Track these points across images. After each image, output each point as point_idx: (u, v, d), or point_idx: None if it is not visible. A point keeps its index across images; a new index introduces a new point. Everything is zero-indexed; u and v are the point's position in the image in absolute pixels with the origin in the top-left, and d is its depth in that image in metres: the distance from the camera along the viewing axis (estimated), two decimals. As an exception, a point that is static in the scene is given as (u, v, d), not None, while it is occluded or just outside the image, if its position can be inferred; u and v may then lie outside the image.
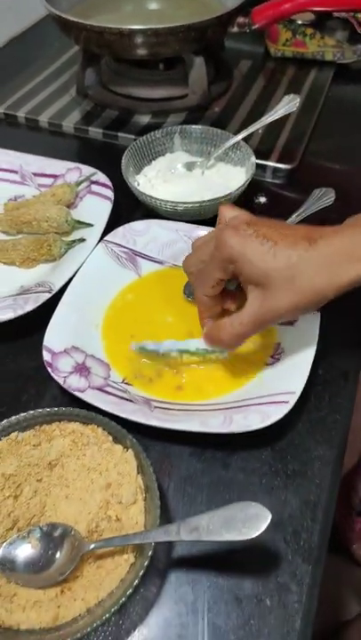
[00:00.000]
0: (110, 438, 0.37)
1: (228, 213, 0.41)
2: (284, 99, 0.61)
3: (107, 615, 0.29)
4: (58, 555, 0.33)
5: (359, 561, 0.87)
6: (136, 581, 0.31)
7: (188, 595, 0.34)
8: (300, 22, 0.83)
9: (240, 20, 0.70)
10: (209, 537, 0.30)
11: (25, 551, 0.33)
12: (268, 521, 0.30)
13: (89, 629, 0.29)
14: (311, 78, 0.79)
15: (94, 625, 0.29)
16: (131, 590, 0.30)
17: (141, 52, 0.66)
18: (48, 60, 0.85)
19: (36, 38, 0.93)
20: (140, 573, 0.31)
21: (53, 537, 0.33)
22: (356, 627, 0.95)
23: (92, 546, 0.33)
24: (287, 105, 0.61)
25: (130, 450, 0.36)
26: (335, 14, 0.88)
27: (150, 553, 0.32)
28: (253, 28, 0.71)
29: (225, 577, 0.35)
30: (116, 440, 0.37)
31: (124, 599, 0.30)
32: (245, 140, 0.60)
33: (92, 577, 0.33)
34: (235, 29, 0.73)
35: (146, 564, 0.31)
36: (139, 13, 0.79)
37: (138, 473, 0.36)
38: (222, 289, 0.42)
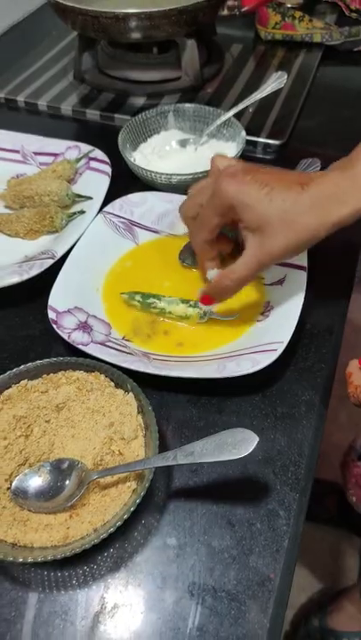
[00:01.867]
0: (112, 384, 0.41)
1: (222, 162, 0.44)
2: (272, 76, 0.64)
3: (111, 529, 0.33)
4: (66, 483, 0.36)
5: (352, 505, 0.90)
6: (138, 501, 0.34)
7: (185, 521, 0.38)
8: (289, 6, 0.86)
9: (230, 2, 0.74)
10: (203, 459, 0.34)
11: (36, 482, 0.36)
12: (256, 443, 0.34)
13: (96, 541, 0.33)
14: (300, 59, 0.82)
15: (100, 537, 0.33)
16: (133, 508, 0.34)
17: (136, 35, 0.69)
18: (46, 47, 0.88)
19: (34, 26, 0.96)
20: (142, 494, 0.34)
21: (62, 469, 0.37)
22: (354, 593, 0.99)
23: (96, 475, 0.36)
24: (275, 82, 0.64)
25: (130, 393, 0.40)
26: (324, -2, 0.91)
27: (150, 477, 0.35)
28: (243, 10, 0.74)
29: (219, 505, 0.38)
30: (118, 385, 0.41)
31: (126, 516, 0.33)
32: (237, 117, 0.63)
33: (97, 504, 0.36)
34: (225, 12, 0.76)
35: (147, 485, 0.35)
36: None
37: (138, 412, 0.39)
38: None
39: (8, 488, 0.37)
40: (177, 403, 0.44)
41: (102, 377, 0.41)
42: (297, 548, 0.37)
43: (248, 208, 0.40)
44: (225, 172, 0.42)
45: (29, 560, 0.33)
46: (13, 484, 0.36)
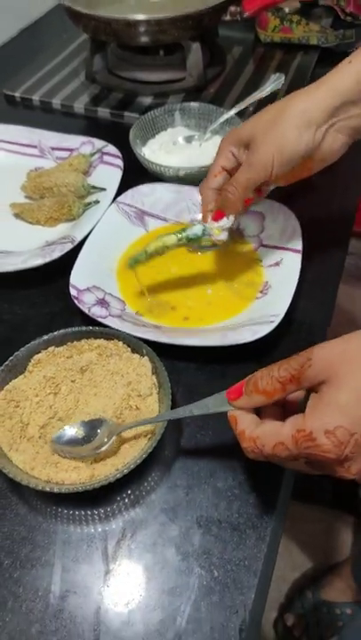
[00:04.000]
0: (129, 349, 0.46)
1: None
2: (271, 77, 0.69)
3: (132, 466, 0.38)
4: (97, 434, 0.41)
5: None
6: (153, 444, 0.40)
7: (193, 466, 0.43)
8: (287, 10, 0.91)
9: (232, 8, 0.79)
10: (215, 410, 0.39)
11: (72, 433, 0.42)
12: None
13: (118, 476, 0.38)
14: (297, 61, 0.87)
15: (123, 472, 0.38)
16: (150, 450, 0.39)
17: (144, 39, 0.75)
18: (57, 49, 0.93)
19: (46, 28, 1.01)
20: (157, 438, 0.40)
21: (93, 424, 0.42)
22: (346, 567, 1.05)
23: (123, 429, 0.41)
24: (274, 83, 0.69)
25: (145, 356, 0.45)
26: (320, 2, 0.97)
27: (164, 426, 0.41)
28: (244, 16, 0.79)
29: (223, 454, 0.44)
30: (134, 350, 0.46)
31: (144, 456, 0.39)
32: (238, 115, 0.69)
33: (118, 451, 0.42)
34: (228, 17, 0.81)
35: (161, 432, 0.40)
36: (141, 4, 0.87)
37: (152, 373, 0.44)
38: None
39: (40, 437, 0.42)
40: (186, 369, 0.49)
41: (120, 344, 0.47)
42: (291, 483, 0.43)
43: (237, 130, 0.48)
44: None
45: (62, 490, 0.38)
46: (55, 435, 0.42)
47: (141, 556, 0.39)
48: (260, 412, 0.37)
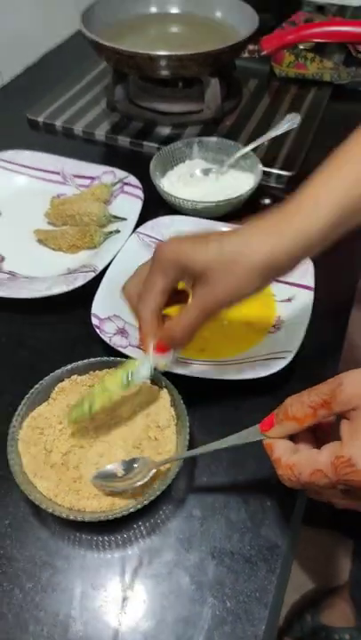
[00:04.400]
0: (149, 381, 0.48)
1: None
2: (286, 117, 0.72)
3: (151, 497, 0.40)
4: (134, 467, 0.43)
5: None
6: (173, 476, 0.41)
7: (207, 497, 0.45)
8: (301, 47, 0.94)
9: (250, 47, 0.82)
10: (249, 440, 0.40)
11: (111, 469, 0.43)
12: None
13: (138, 506, 0.40)
14: (311, 97, 0.90)
15: (144, 502, 0.40)
16: (164, 487, 0.41)
17: (165, 72, 0.78)
18: (79, 75, 0.96)
19: (68, 53, 1.05)
20: (176, 470, 0.42)
21: (131, 461, 0.44)
22: (345, 592, 1.06)
23: (157, 464, 0.42)
24: (289, 122, 0.72)
25: (164, 388, 0.47)
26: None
27: (181, 462, 0.42)
28: (262, 54, 0.82)
29: (236, 486, 0.46)
30: (153, 382, 0.48)
31: (159, 491, 0.41)
32: (253, 150, 0.71)
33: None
34: (246, 55, 0.84)
35: (177, 470, 0.42)
36: (162, 36, 0.90)
37: (171, 405, 0.46)
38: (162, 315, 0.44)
39: (62, 463, 0.44)
40: (200, 400, 0.51)
41: (140, 375, 0.49)
42: (300, 522, 0.44)
43: (187, 258, 0.40)
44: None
45: (85, 519, 0.40)
46: (97, 471, 0.43)
47: (157, 584, 0.41)
48: (293, 438, 0.38)
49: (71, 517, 0.40)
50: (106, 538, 0.43)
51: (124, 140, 0.82)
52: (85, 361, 0.49)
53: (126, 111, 0.86)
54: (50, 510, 0.40)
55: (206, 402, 0.51)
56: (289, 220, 0.40)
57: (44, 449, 0.44)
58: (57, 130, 0.86)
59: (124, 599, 0.40)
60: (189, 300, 0.45)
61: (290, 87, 0.93)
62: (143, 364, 0.44)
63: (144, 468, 0.42)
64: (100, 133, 0.83)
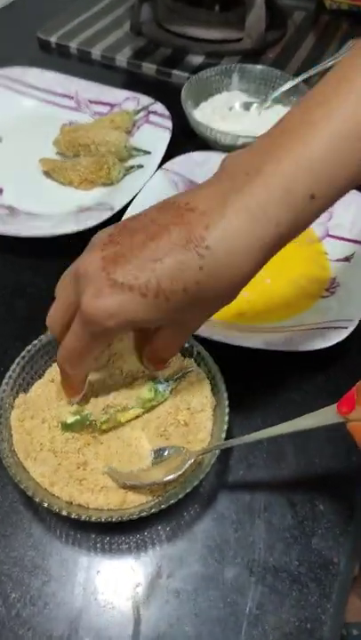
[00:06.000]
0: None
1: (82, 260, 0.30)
2: (347, 43, 0.61)
3: (172, 501, 0.31)
4: (165, 456, 0.34)
5: None
6: (201, 476, 0.32)
7: (244, 495, 0.36)
8: (359, -25, 0.81)
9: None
10: (318, 425, 0.31)
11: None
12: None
13: (154, 511, 0.31)
14: (367, 34, 0.78)
15: (161, 506, 0.31)
16: (196, 482, 0.32)
17: (202, -13, 0.66)
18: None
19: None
20: (207, 470, 0.32)
21: (160, 450, 0.34)
22: (357, 584, 0.99)
23: (195, 454, 0.33)
24: (349, 50, 0.60)
25: (198, 360, 0.37)
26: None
27: (217, 453, 0.33)
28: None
29: (279, 483, 0.37)
30: (183, 351, 0.38)
31: (188, 489, 0.31)
32: (305, 81, 0.60)
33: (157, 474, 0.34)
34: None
35: (212, 461, 0.33)
36: None
37: (207, 382, 0.37)
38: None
39: (65, 443, 0.34)
40: (236, 374, 0.42)
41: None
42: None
43: (137, 322, 0.29)
44: (82, 277, 0.29)
45: (83, 517, 0.31)
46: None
47: (179, 604, 0.32)
48: None
49: (73, 515, 0.31)
50: (115, 539, 0.34)
51: (149, 68, 0.70)
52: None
53: (153, 35, 0.74)
54: (45, 504, 0.31)
55: (243, 377, 0.41)
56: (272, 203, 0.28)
57: (43, 423, 0.35)
58: (71, 53, 0.74)
59: (137, 621, 0.31)
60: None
61: (341, 22, 0.80)
62: (158, 387, 0.36)
63: (177, 457, 0.33)
64: (122, 59, 0.71)
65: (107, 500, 0.33)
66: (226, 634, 0.31)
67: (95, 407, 0.35)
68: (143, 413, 0.36)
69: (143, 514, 0.31)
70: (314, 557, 0.34)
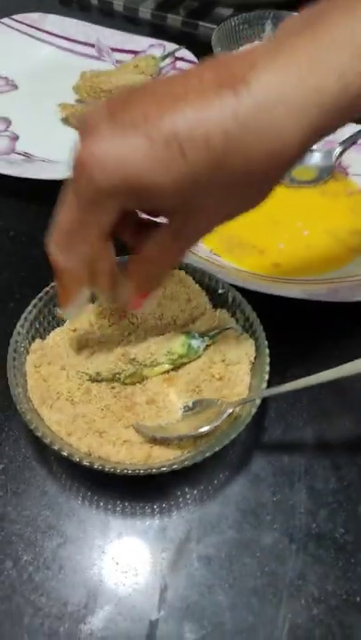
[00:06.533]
0: (206, 297, 0.35)
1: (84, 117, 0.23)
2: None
3: (205, 454, 0.27)
4: (197, 408, 0.30)
5: None
6: (237, 431, 0.29)
7: (283, 456, 0.32)
8: None
9: None
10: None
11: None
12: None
13: (187, 463, 0.27)
14: None
15: (188, 460, 0.27)
16: (227, 441, 0.28)
17: None
18: None
19: None
20: (246, 421, 0.29)
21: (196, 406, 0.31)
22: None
23: (230, 406, 0.29)
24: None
25: (234, 307, 0.34)
26: None
27: (253, 411, 0.29)
28: None
29: (322, 443, 0.33)
30: (215, 298, 0.35)
31: (219, 447, 0.28)
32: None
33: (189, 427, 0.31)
34: None
35: (252, 413, 0.29)
36: None
37: (244, 332, 0.33)
38: None
39: (85, 392, 0.31)
40: (274, 327, 0.38)
41: (191, 281, 0.35)
42: None
43: (144, 182, 0.21)
44: (82, 127, 0.23)
45: (107, 469, 0.27)
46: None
47: (210, 572, 0.28)
48: None
49: (94, 466, 0.27)
50: (139, 500, 0.30)
51: (174, 19, 0.66)
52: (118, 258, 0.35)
53: (179, -13, 0.70)
54: (64, 453, 0.27)
55: (280, 329, 0.38)
56: (329, 58, 0.21)
57: (61, 370, 0.31)
58: (92, 4, 0.70)
59: (163, 589, 0.28)
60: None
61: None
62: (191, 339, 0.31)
63: (211, 410, 0.29)
64: (145, 10, 0.67)
65: (130, 455, 0.29)
66: (263, 606, 0.27)
67: (120, 358, 0.31)
68: (172, 369, 0.32)
69: (175, 467, 0.27)
70: (361, 526, 0.30)
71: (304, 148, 0.22)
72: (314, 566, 0.29)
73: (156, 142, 0.20)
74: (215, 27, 0.64)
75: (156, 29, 0.67)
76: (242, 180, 0.22)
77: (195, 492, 0.31)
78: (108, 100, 0.23)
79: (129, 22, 0.68)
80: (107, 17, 0.69)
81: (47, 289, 0.33)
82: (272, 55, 0.21)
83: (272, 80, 0.20)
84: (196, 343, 0.31)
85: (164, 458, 0.29)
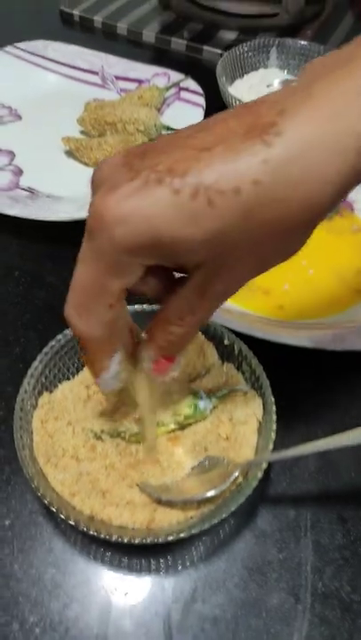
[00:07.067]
0: (215, 354, 0.34)
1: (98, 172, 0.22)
2: None
3: (205, 526, 0.27)
4: (206, 467, 0.30)
5: None
6: (241, 501, 0.28)
7: (288, 511, 0.32)
8: None
9: None
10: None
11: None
12: None
13: (182, 535, 0.27)
14: None
15: (191, 532, 0.27)
16: (233, 508, 0.28)
17: None
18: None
19: None
20: (247, 492, 0.28)
21: (202, 463, 0.31)
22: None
23: (239, 468, 0.29)
24: None
25: (242, 362, 0.34)
26: None
27: (260, 475, 0.29)
28: None
29: (329, 496, 0.33)
30: (221, 350, 0.34)
31: (225, 515, 0.28)
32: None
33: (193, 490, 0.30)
34: None
35: (254, 484, 0.28)
36: None
37: (251, 389, 0.33)
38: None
39: (90, 450, 0.31)
40: (279, 377, 0.38)
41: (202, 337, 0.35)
42: None
43: (160, 236, 0.20)
44: (97, 180, 0.22)
45: (103, 535, 0.27)
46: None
47: (217, 634, 0.28)
48: None
49: (90, 532, 0.27)
50: (144, 557, 0.30)
51: (178, 44, 0.66)
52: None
53: (182, 9, 0.69)
54: (71, 521, 0.27)
55: (287, 378, 0.37)
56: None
57: (67, 426, 0.31)
58: (96, 27, 0.70)
59: (169, 652, 0.28)
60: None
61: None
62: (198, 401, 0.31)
63: (217, 469, 0.29)
64: (149, 34, 0.67)
65: (132, 518, 0.29)
66: (270, 670, 0.27)
67: (125, 417, 0.31)
68: (178, 429, 0.32)
69: (182, 535, 0.27)
70: (368, 584, 0.30)
71: (341, 195, 0.21)
72: (320, 627, 0.29)
73: (182, 195, 0.19)
74: (219, 51, 0.64)
75: (160, 53, 0.67)
76: (275, 231, 0.21)
77: (200, 547, 0.31)
78: (126, 151, 0.22)
79: (133, 45, 0.68)
80: (110, 39, 0.69)
81: (52, 343, 0.33)
82: (301, 99, 0.20)
83: (304, 126, 0.19)
84: (203, 404, 0.31)
85: (167, 522, 0.29)
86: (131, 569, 0.30)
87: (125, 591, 0.30)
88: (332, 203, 0.21)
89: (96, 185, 0.22)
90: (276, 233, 0.21)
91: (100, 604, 0.29)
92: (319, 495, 0.33)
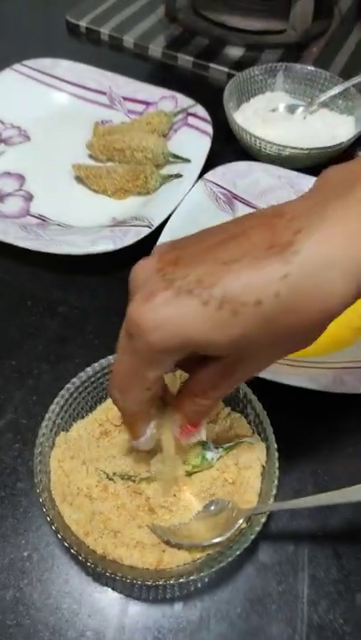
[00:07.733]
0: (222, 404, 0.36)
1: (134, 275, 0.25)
2: None
3: (210, 570, 0.29)
4: (212, 510, 0.32)
5: None
6: (245, 545, 0.30)
7: (287, 545, 0.35)
8: None
9: None
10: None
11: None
12: None
13: (192, 577, 0.29)
14: None
15: (200, 575, 0.29)
16: (238, 552, 0.30)
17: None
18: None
19: None
20: (252, 537, 0.30)
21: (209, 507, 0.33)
22: None
23: (246, 514, 0.31)
24: None
25: (247, 407, 0.35)
26: None
27: (263, 520, 0.31)
28: None
29: (326, 532, 0.35)
30: (229, 400, 0.36)
31: (230, 559, 0.30)
32: (356, 87, 0.56)
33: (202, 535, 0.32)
34: None
35: (258, 529, 0.31)
36: None
37: (255, 433, 0.35)
38: None
39: (102, 490, 0.33)
40: (276, 417, 0.40)
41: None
42: None
43: (193, 341, 0.23)
44: (134, 284, 0.24)
45: (120, 576, 0.29)
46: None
47: (220, 662, 0.31)
48: None
49: (100, 570, 0.29)
50: (156, 590, 0.33)
51: (185, 60, 0.66)
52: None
53: (189, 23, 0.70)
54: (89, 563, 0.29)
55: (288, 419, 0.39)
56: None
57: (82, 465, 0.33)
58: (102, 39, 0.70)
59: None
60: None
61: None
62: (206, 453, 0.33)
63: (222, 513, 0.31)
64: (156, 48, 0.67)
65: (142, 558, 0.31)
66: None
67: (137, 461, 0.33)
68: (186, 475, 0.34)
69: (184, 579, 0.29)
70: (360, 615, 0.33)
71: (352, 303, 0.23)
72: (315, 657, 0.31)
73: (210, 306, 0.22)
74: (226, 69, 0.64)
75: (166, 68, 0.67)
76: (291, 333, 0.23)
77: (206, 578, 0.33)
78: (159, 255, 0.24)
79: (138, 59, 0.68)
80: (116, 51, 0.69)
81: (68, 385, 0.35)
82: (316, 221, 0.22)
83: (319, 247, 0.22)
84: (210, 455, 0.33)
85: (175, 563, 0.31)
86: (142, 599, 0.33)
87: (137, 620, 0.32)
88: (345, 308, 0.23)
89: (133, 288, 0.24)
90: (293, 334, 0.24)
91: (114, 631, 0.32)
92: (317, 531, 0.35)
